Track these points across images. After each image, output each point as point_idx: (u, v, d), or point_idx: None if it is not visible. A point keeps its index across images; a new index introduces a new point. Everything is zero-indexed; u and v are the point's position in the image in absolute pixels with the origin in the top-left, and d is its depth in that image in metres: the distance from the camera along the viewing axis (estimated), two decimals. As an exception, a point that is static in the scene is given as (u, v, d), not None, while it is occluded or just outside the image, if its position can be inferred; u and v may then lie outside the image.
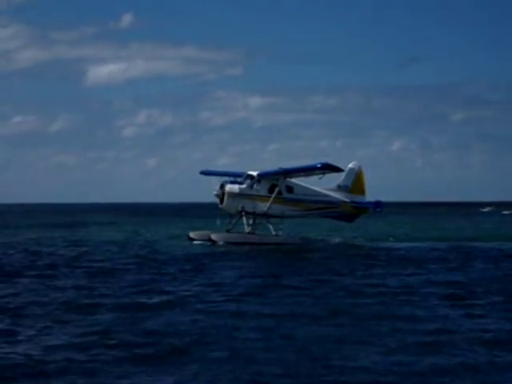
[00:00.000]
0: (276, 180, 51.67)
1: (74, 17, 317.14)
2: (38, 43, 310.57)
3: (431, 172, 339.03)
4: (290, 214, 52.73)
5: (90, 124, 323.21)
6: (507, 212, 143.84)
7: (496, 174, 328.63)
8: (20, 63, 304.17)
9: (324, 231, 66.67)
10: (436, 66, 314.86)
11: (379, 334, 19.06)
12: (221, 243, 49.58)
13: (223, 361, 16.08)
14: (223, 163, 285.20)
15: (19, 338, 18.33)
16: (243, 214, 51.28)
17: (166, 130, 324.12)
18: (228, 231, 52.08)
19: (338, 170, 52.01)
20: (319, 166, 49.84)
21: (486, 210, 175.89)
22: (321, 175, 52.16)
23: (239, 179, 52.18)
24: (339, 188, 54.91)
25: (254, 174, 51.95)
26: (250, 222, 51.92)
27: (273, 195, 51.04)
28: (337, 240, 56.64)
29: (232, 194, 50.62)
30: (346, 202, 54.66)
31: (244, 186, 51.38)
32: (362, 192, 55.56)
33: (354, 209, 55.35)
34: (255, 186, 51.61)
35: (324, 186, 54.36)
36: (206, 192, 52.96)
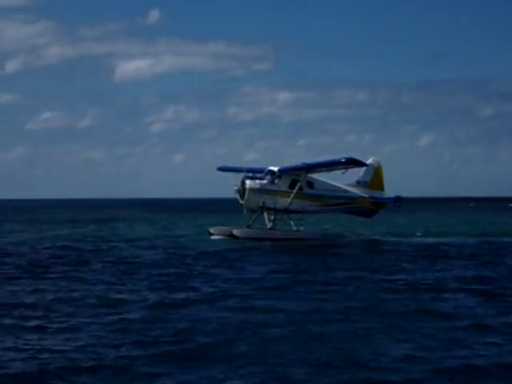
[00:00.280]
0: (297, 175, 51.61)
1: (102, 13, 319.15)
2: (66, 39, 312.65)
3: (459, 167, 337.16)
4: (310, 210, 52.74)
5: (117, 120, 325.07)
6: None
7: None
8: (48, 59, 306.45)
9: (349, 226, 66.49)
10: (465, 61, 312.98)
11: (409, 330, 18.96)
12: (243, 239, 49.53)
13: (252, 359, 16.05)
14: (250, 159, 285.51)
15: (50, 334, 18.42)
16: (264, 209, 51.27)
17: (192, 126, 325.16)
18: (248, 227, 52.12)
19: (362, 164, 51.97)
20: (343, 160, 49.74)
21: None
22: (344, 170, 52.12)
23: (258, 175, 52.12)
24: (358, 184, 54.88)
25: (275, 169, 51.93)
26: (272, 217, 51.89)
27: (294, 191, 50.99)
28: (363, 236, 56.59)
29: (253, 190, 50.62)
30: (364, 197, 54.58)
31: (265, 181, 51.39)
32: (381, 188, 55.48)
33: (372, 204, 55.25)
34: (276, 181, 51.57)
35: (343, 181, 54.34)
36: (227, 187, 53.03)
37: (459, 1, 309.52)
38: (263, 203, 50.81)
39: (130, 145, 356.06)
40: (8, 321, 19.94)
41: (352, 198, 54.23)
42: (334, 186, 53.61)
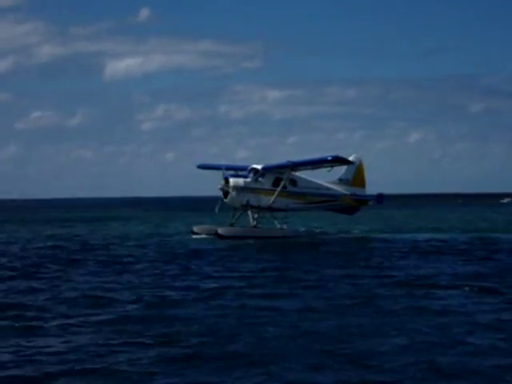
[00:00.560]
0: (280, 173, 51.69)
1: (92, 12, 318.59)
2: (57, 38, 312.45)
3: (450, 163, 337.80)
4: (293, 208, 52.91)
5: (108, 118, 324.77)
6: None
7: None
8: (38, 58, 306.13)
9: (340, 224, 66.60)
10: (454, 58, 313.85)
11: (403, 327, 18.96)
12: (228, 237, 49.47)
13: (248, 358, 16.01)
14: (241, 156, 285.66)
15: (43, 335, 18.33)
16: (248, 207, 51.31)
17: (183, 124, 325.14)
18: (231, 225, 52.09)
19: (348, 162, 52.30)
20: (330, 158, 49.96)
21: (505, 201, 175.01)
22: (329, 168, 52.40)
23: (240, 173, 52.10)
24: (340, 181, 55.10)
25: (259, 167, 51.96)
26: (255, 215, 51.88)
27: (278, 189, 51.06)
28: (355, 233, 56.80)
29: (237, 188, 50.62)
30: (347, 194, 54.76)
31: (249, 179, 51.39)
32: (362, 185, 55.76)
33: (354, 201, 55.52)
34: (260, 179, 51.59)
35: (325, 179, 54.59)
36: (209, 186, 53.01)
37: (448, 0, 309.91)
38: (247, 201, 50.82)
39: (121, 143, 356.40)
40: (0, 322, 19.87)
41: (334, 196, 54.44)
42: (317, 184, 53.81)
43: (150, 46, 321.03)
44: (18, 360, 15.86)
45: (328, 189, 54.26)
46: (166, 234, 56.97)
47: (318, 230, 58.83)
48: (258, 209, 51.56)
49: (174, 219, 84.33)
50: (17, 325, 19.44)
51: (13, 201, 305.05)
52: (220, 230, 50.44)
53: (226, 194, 50.68)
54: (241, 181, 51.06)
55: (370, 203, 57.81)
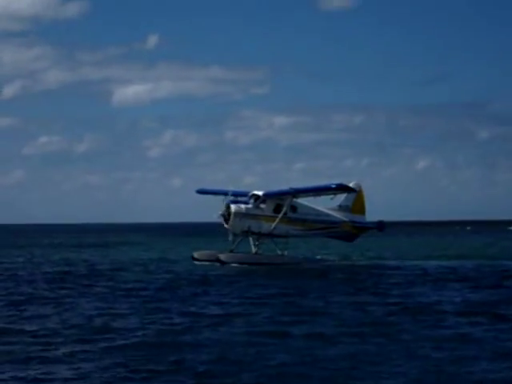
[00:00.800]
0: (281, 200, 51.63)
1: (100, 38, 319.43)
2: (64, 64, 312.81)
3: (457, 190, 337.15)
4: (294, 234, 52.79)
5: (115, 144, 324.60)
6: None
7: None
8: (46, 84, 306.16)
9: (348, 251, 66.44)
10: (461, 84, 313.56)
11: (410, 353, 18.81)
12: (231, 264, 49.32)
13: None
14: (248, 183, 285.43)
15: (54, 361, 18.17)
16: (249, 234, 51.19)
17: (191, 150, 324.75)
18: (231, 251, 51.93)
19: (351, 190, 52.19)
20: (333, 186, 50.00)
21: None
22: (333, 196, 52.50)
23: (240, 198, 51.87)
24: (340, 208, 54.89)
25: (260, 193, 51.90)
26: (256, 242, 51.79)
27: (280, 215, 50.99)
28: (355, 259, 56.75)
29: (238, 214, 50.51)
30: (346, 221, 54.59)
31: (250, 205, 51.31)
32: (362, 212, 55.51)
33: (354, 229, 55.32)
34: (261, 205, 51.51)
35: (325, 205, 54.32)
36: (209, 212, 53.01)
37: (454, 25, 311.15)
38: (248, 227, 50.74)
39: (128, 169, 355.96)
40: (8, 347, 19.74)
41: (334, 223, 54.29)
42: (317, 210, 53.69)
43: (158, 72, 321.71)
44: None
45: (328, 215, 54.15)
46: (171, 260, 56.80)
47: (318, 257, 58.60)
48: (259, 235, 51.53)
49: (180, 245, 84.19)
50: (25, 351, 19.33)
51: (17, 225, 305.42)
52: (222, 257, 50.31)
53: (226, 220, 50.57)
54: (242, 207, 50.97)
55: (371, 231, 57.65)
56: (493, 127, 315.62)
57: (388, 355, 18.77)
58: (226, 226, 50.75)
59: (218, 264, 49.47)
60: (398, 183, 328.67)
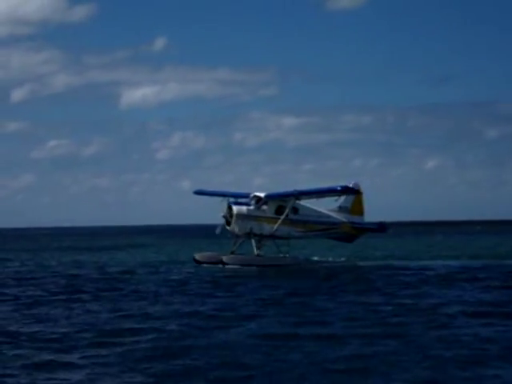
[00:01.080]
0: (283, 201, 51.67)
1: (107, 41, 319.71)
2: (72, 67, 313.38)
3: (466, 190, 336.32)
4: (295, 235, 52.87)
5: (124, 147, 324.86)
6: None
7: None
8: (54, 87, 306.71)
9: (356, 251, 66.37)
10: (470, 84, 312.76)
11: (428, 356, 18.80)
12: (232, 265, 49.35)
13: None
14: (257, 184, 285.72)
15: (66, 366, 18.14)
16: (251, 235, 51.23)
17: (199, 152, 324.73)
18: (232, 253, 51.93)
19: (357, 193, 52.02)
20: (339, 188, 50.02)
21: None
22: (337, 197, 52.69)
23: (241, 200, 51.92)
24: (340, 209, 54.86)
25: (261, 195, 51.90)
26: (257, 243, 51.81)
27: (282, 217, 51.02)
28: (354, 260, 56.90)
29: (240, 216, 50.50)
30: (346, 222, 54.61)
31: (252, 207, 51.34)
32: (360, 213, 55.48)
33: (354, 230, 55.34)
34: (263, 207, 51.52)
35: (325, 206, 54.34)
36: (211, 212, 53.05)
37: (464, 25, 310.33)
38: (250, 229, 50.75)
39: (137, 172, 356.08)
40: (18, 351, 19.78)
41: (335, 224, 54.32)
42: (318, 212, 53.71)
43: (165, 74, 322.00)
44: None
45: (328, 216, 54.19)
46: (180, 262, 56.76)
47: (325, 258, 58.64)
48: (261, 237, 51.56)
49: (189, 247, 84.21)
50: (36, 354, 19.34)
51: (26, 229, 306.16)
52: (225, 258, 50.35)
53: (228, 221, 50.59)
54: (244, 208, 50.95)
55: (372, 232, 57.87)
56: (502, 126, 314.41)
57: (399, 356, 18.73)
58: (227, 227, 50.74)
59: (220, 266, 49.43)
60: (406, 183, 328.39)
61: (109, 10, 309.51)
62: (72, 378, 16.77)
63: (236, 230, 50.73)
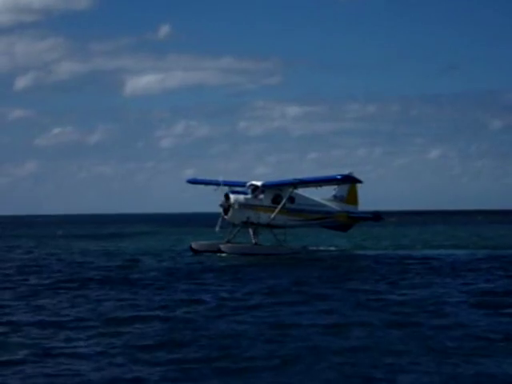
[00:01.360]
0: (280, 190, 51.77)
1: (112, 28, 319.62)
2: (77, 55, 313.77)
3: (470, 180, 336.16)
4: (292, 224, 53.09)
5: (128, 135, 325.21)
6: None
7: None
8: (58, 75, 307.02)
9: (357, 240, 66.45)
10: (475, 73, 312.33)
11: (435, 349, 18.86)
12: (230, 254, 49.47)
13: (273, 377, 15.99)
14: (261, 173, 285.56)
15: (73, 356, 18.18)
16: (248, 224, 51.33)
17: (203, 141, 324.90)
18: (228, 242, 52.00)
19: (358, 181, 52.02)
20: (339, 177, 50.03)
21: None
22: (336, 186, 53.01)
23: (236, 188, 51.95)
24: (335, 198, 55.11)
25: (258, 184, 51.99)
26: (255, 232, 52.03)
27: (279, 206, 51.12)
28: (349, 249, 57.04)
29: (238, 205, 50.60)
30: (341, 212, 54.75)
31: (249, 196, 51.40)
32: (355, 202, 55.81)
33: (349, 219, 55.50)
34: (260, 196, 51.60)
35: (321, 196, 54.57)
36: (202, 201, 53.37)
37: (467, 15, 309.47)
38: (247, 218, 50.83)
39: (141, 160, 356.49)
40: (24, 340, 19.84)
41: (330, 213, 54.54)
42: (313, 201, 53.89)
43: (169, 62, 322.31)
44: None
45: (324, 206, 54.39)
46: (184, 250, 56.80)
47: (322, 247, 58.77)
48: (257, 225, 51.69)
49: (193, 235, 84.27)
50: (42, 344, 19.38)
51: (30, 216, 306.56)
52: (223, 247, 50.46)
53: (226, 210, 50.64)
54: (241, 197, 51.04)
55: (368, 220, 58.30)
56: (506, 117, 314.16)
57: (405, 347, 18.76)
58: (224, 216, 50.82)
59: (218, 254, 49.53)
60: (410, 173, 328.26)
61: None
62: (78, 368, 16.82)
63: (233, 218, 50.81)
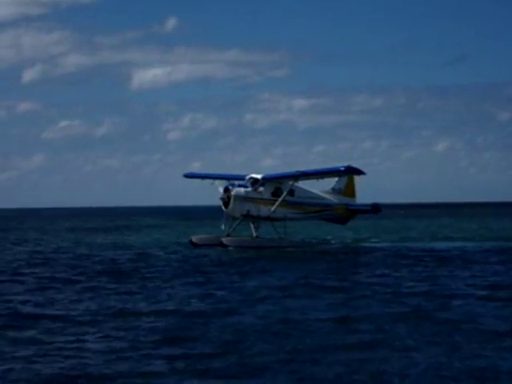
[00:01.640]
0: (280, 183, 51.75)
1: (119, 21, 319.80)
2: (84, 47, 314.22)
3: (477, 172, 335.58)
4: (291, 217, 53.01)
5: (135, 128, 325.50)
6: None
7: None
8: (65, 68, 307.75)
9: (364, 233, 66.36)
10: (481, 65, 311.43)
11: (435, 339, 18.81)
12: (232, 247, 49.45)
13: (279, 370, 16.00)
14: (267, 165, 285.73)
15: (87, 347, 18.25)
16: (248, 217, 51.32)
17: (210, 133, 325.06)
18: (228, 235, 51.86)
19: (360, 173, 51.96)
20: (342, 169, 49.90)
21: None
22: (337, 178, 53.27)
23: (236, 182, 51.79)
24: (333, 191, 55.10)
25: (259, 177, 51.96)
26: (255, 225, 52.12)
27: (280, 199, 51.06)
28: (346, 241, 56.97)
29: (239, 198, 50.51)
30: (340, 204, 54.77)
31: (249, 189, 51.36)
32: (353, 195, 55.79)
33: (347, 211, 55.47)
34: (260, 189, 51.55)
35: (319, 188, 54.54)
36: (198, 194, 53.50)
37: (474, 6, 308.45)
38: (248, 211, 50.81)
39: (148, 153, 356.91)
40: (32, 334, 19.84)
41: (329, 205, 54.48)
42: (313, 194, 53.85)
43: (176, 55, 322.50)
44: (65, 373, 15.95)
45: (323, 198, 54.36)
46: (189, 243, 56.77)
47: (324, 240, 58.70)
48: (258, 219, 51.67)
49: (200, 228, 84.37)
50: (50, 338, 19.35)
51: (37, 209, 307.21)
52: (225, 240, 50.44)
53: (226, 203, 50.65)
54: (242, 190, 50.94)
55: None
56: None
57: (413, 340, 18.68)
58: (224, 209, 50.85)
59: (219, 248, 49.36)
60: (417, 165, 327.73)
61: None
62: (86, 362, 16.81)
63: (233, 212, 50.78)
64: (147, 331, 20.09)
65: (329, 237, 58.43)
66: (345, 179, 54.81)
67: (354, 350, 17.76)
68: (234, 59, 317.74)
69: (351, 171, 50.90)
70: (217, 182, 52.85)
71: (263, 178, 51.77)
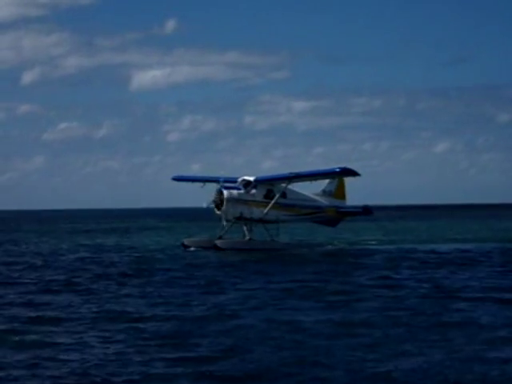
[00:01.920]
0: (272, 185, 51.69)
1: (118, 23, 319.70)
2: (83, 49, 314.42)
3: (477, 173, 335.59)
4: (284, 219, 53.04)
5: (134, 129, 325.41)
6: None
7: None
8: (65, 70, 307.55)
9: (363, 235, 66.28)
10: (482, 67, 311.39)
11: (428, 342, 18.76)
12: (226, 250, 49.32)
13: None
14: (267, 167, 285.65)
15: (87, 351, 18.20)
16: (241, 220, 51.27)
17: (210, 135, 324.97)
18: (220, 237, 51.83)
19: (356, 174, 51.79)
20: (338, 170, 49.84)
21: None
22: (331, 180, 53.36)
23: (228, 184, 51.67)
24: (324, 193, 55.10)
25: (251, 179, 51.92)
26: (247, 227, 51.97)
27: (273, 201, 51.05)
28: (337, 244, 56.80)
29: (231, 200, 50.48)
30: (331, 206, 54.73)
31: (242, 191, 51.29)
32: (343, 197, 55.73)
33: (338, 213, 55.48)
34: (252, 191, 51.51)
35: (310, 190, 54.57)
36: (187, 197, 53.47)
37: (475, 8, 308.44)
38: (240, 213, 50.75)
39: (148, 154, 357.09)
40: (36, 337, 19.78)
41: (320, 208, 54.50)
42: (304, 196, 53.92)
43: (176, 57, 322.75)
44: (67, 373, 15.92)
45: (314, 201, 54.37)
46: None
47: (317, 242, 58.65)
48: (250, 221, 51.63)
49: (200, 229, 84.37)
50: (54, 339, 19.38)
51: (38, 211, 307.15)
52: (218, 243, 50.38)
53: (218, 206, 50.55)
54: (235, 193, 50.94)
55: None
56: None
57: (415, 342, 18.67)
58: (217, 212, 50.72)
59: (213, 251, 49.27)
60: (417, 166, 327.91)
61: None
62: (87, 365, 16.78)
63: (226, 214, 50.71)
64: (148, 334, 20.05)
65: (335, 241, 58.27)
66: (335, 181, 54.77)
67: (355, 352, 17.70)
68: (233, 61, 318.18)
69: (347, 173, 50.75)
70: (206, 184, 52.80)
71: (256, 180, 51.76)
